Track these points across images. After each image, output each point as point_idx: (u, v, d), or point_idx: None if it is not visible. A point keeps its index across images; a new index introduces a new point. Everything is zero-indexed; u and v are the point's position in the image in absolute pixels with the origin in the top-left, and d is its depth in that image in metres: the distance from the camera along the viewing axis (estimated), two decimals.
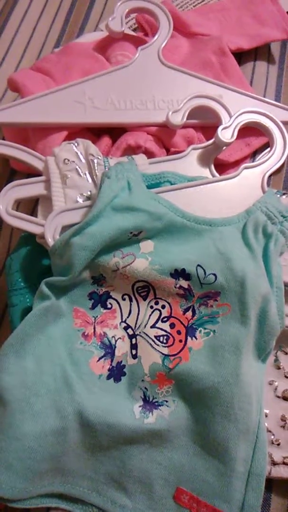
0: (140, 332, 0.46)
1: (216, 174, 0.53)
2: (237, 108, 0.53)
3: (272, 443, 0.46)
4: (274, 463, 0.46)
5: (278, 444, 0.46)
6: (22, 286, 0.48)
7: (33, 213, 0.56)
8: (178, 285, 0.45)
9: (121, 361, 0.46)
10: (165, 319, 0.46)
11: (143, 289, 0.46)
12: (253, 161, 0.54)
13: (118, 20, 0.57)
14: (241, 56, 0.67)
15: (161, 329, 0.46)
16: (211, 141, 0.53)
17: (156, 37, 0.58)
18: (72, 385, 0.43)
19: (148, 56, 0.57)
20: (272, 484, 0.47)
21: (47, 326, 0.44)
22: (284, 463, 0.46)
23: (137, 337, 0.46)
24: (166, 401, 0.45)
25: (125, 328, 0.46)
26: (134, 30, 0.68)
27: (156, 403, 0.44)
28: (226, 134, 0.51)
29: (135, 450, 0.43)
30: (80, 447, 0.43)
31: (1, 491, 0.40)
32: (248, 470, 0.43)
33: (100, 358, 0.45)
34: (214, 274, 0.45)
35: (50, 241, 0.45)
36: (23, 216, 0.47)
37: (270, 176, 0.52)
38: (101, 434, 0.42)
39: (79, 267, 0.43)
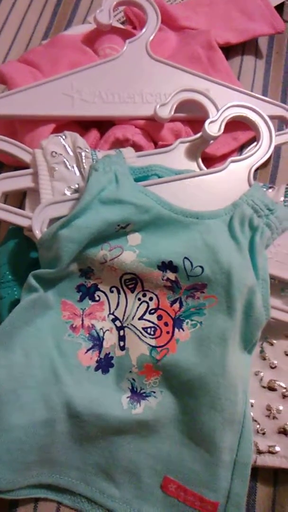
0: (128, 324, 0.46)
1: (204, 168, 0.53)
2: (224, 102, 0.53)
3: (258, 432, 0.47)
4: (259, 452, 0.46)
5: (264, 434, 0.47)
6: (10, 279, 0.48)
7: (22, 206, 0.56)
8: (165, 277, 0.46)
9: (109, 353, 0.46)
10: (153, 311, 0.46)
11: (131, 281, 0.47)
12: (240, 155, 0.54)
13: (106, 13, 0.57)
14: (229, 51, 0.67)
15: (149, 321, 0.46)
16: (198, 135, 0.53)
17: (144, 30, 0.58)
18: (60, 376, 0.43)
19: (136, 49, 0.57)
20: (258, 473, 0.47)
21: (35, 318, 0.44)
22: (269, 452, 0.46)
23: (125, 329, 0.46)
24: (154, 392, 0.45)
25: (113, 320, 0.47)
26: (123, 23, 0.68)
27: (144, 394, 0.45)
28: (213, 127, 0.52)
29: (123, 440, 0.44)
30: (68, 438, 0.43)
31: None
32: (234, 459, 0.43)
33: (88, 350, 0.46)
34: (201, 267, 0.45)
35: (38, 234, 0.45)
36: (10, 209, 0.47)
37: (256, 169, 0.52)
38: (89, 425, 0.43)
39: (66, 260, 0.43)
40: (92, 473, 0.44)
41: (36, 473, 0.43)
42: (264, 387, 0.49)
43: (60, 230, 0.43)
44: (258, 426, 0.47)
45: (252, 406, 0.48)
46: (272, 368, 0.49)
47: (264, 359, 0.50)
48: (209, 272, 0.45)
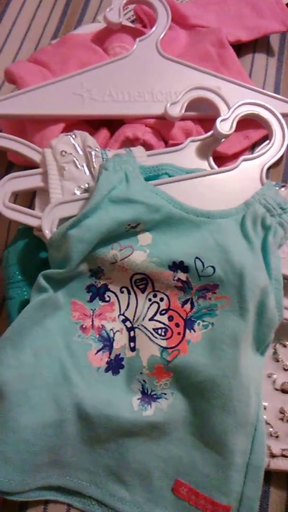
0: (138, 325, 0.46)
1: (215, 167, 0.53)
2: (235, 100, 0.52)
3: (271, 435, 0.46)
4: (272, 456, 0.46)
5: (277, 437, 0.46)
6: (19, 279, 0.48)
7: (31, 205, 0.56)
8: (176, 278, 0.45)
9: (120, 354, 0.45)
10: (164, 311, 0.46)
11: (142, 281, 0.46)
12: (252, 154, 0.54)
13: (116, 11, 0.57)
14: (240, 48, 0.66)
15: (160, 321, 0.46)
16: (209, 133, 0.52)
17: (154, 28, 0.57)
18: (70, 377, 0.43)
19: (146, 48, 0.57)
20: (271, 477, 0.47)
21: (45, 318, 0.44)
22: (283, 455, 0.46)
23: (136, 329, 0.46)
24: (165, 394, 0.44)
25: (124, 321, 0.46)
26: (132, 22, 0.67)
27: (155, 396, 0.44)
28: (224, 126, 0.51)
29: (134, 442, 0.43)
30: (78, 439, 0.43)
31: None
32: (246, 462, 0.43)
33: (98, 351, 0.45)
34: (213, 267, 0.44)
35: (48, 234, 0.45)
36: (20, 209, 0.47)
37: (269, 168, 0.52)
38: (99, 427, 0.42)
39: (76, 260, 0.43)
40: (102, 475, 0.44)
41: (46, 475, 0.43)
42: (277, 389, 0.48)
43: (70, 230, 0.43)
44: (271, 429, 0.46)
45: (265, 408, 0.47)
46: (285, 370, 0.49)
47: (277, 361, 0.49)
48: (221, 273, 0.44)
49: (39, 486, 0.42)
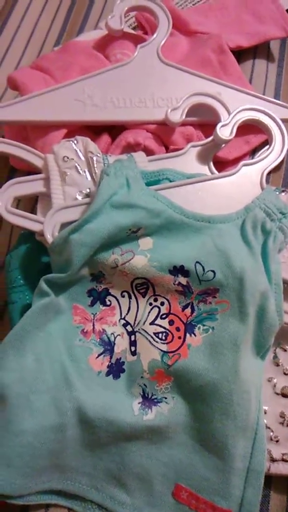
0: (139, 329, 0.46)
1: (215, 172, 0.53)
2: (236, 106, 0.53)
3: (271, 439, 0.46)
4: (273, 460, 0.46)
5: (277, 441, 0.46)
6: (21, 283, 0.48)
7: (33, 210, 0.56)
8: (177, 282, 0.45)
9: (120, 358, 0.46)
10: (164, 316, 0.46)
11: (142, 286, 0.46)
12: (252, 159, 0.54)
13: (118, 19, 0.57)
14: (241, 54, 0.67)
15: (160, 326, 0.46)
16: (210, 139, 0.53)
17: (155, 35, 0.58)
18: (71, 381, 0.43)
19: (147, 54, 0.57)
20: (271, 481, 0.47)
21: (47, 323, 0.44)
22: (283, 460, 0.46)
23: (136, 334, 0.46)
24: (165, 398, 0.45)
25: (124, 325, 0.46)
26: (134, 28, 0.68)
27: (155, 400, 0.45)
28: (225, 131, 0.51)
29: (134, 446, 0.44)
30: (79, 443, 0.43)
31: (0, 487, 0.40)
32: (247, 466, 0.43)
33: (99, 355, 0.45)
34: (213, 271, 0.45)
35: (49, 238, 0.45)
36: (22, 214, 0.47)
37: (269, 173, 0.52)
38: (100, 431, 0.42)
39: (78, 264, 0.43)
40: (103, 479, 0.44)
41: (47, 478, 0.43)
42: (277, 393, 0.48)
43: (71, 234, 0.43)
44: (271, 433, 0.47)
45: (265, 413, 0.47)
46: (285, 374, 0.49)
47: (278, 365, 0.49)
48: (221, 277, 0.45)
49: (40, 489, 0.43)
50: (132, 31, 0.65)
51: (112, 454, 0.44)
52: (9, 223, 0.47)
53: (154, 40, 0.58)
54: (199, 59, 0.60)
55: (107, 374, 0.45)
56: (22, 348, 0.43)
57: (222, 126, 0.51)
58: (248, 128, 0.55)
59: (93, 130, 0.57)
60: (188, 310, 0.46)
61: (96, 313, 0.46)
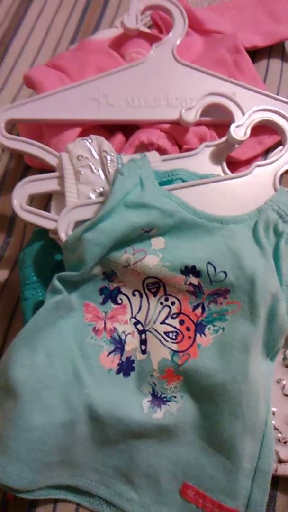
0: (149, 328, 0.46)
1: (228, 172, 0.53)
2: (250, 106, 0.53)
3: (279, 441, 0.46)
4: (280, 461, 0.46)
5: (285, 442, 0.46)
6: (34, 280, 0.49)
7: (46, 208, 0.57)
8: (188, 282, 0.46)
9: (131, 356, 0.46)
10: (175, 315, 0.46)
11: (154, 285, 0.47)
12: (265, 159, 0.54)
13: (133, 18, 0.57)
14: (255, 54, 0.66)
15: (171, 325, 0.46)
16: (223, 139, 0.53)
17: (170, 34, 0.58)
18: (82, 378, 0.43)
19: (162, 54, 0.57)
20: (278, 482, 0.46)
21: (58, 320, 0.45)
22: None
23: (147, 332, 0.46)
24: (175, 397, 0.45)
25: (135, 324, 0.47)
26: (149, 27, 0.68)
27: (165, 399, 0.45)
28: (239, 132, 0.51)
29: (143, 444, 0.44)
30: (88, 440, 0.44)
31: (10, 481, 0.40)
32: (254, 467, 0.43)
33: (110, 353, 0.46)
34: (224, 272, 0.45)
35: (63, 237, 0.46)
36: (37, 212, 0.48)
37: (282, 174, 0.52)
38: (109, 428, 0.43)
39: (91, 263, 0.44)
40: (111, 476, 0.44)
41: (56, 473, 0.43)
42: (286, 395, 0.48)
43: (85, 233, 0.44)
44: (279, 434, 0.47)
45: (274, 414, 0.47)
46: None
47: (287, 366, 0.49)
48: (232, 278, 0.45)
49: (49, 484, 0.43)
50: (148, 30, 0.65)
51: (121, 452, 0.44)
52: (24, 220, 0.48)
53: (169, 40, 0.58)
54: (214, 59, 0.60)
55: (118, 372, 0.45)
56: (34, 344, 0.43)
57: (237, 126, 0.51)
58: (261, 128, 0.55)
59: (108, 129, 0.58)
60: (198, 310, 0.46)
61: (107, 311, 0.47)
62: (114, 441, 0.44)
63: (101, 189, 0.49)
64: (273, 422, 0.46)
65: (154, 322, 0.46)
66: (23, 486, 0.41)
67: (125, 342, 0.46)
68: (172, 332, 0.46)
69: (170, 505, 0.44)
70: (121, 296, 0.47)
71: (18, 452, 0.40)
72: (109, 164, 0.50)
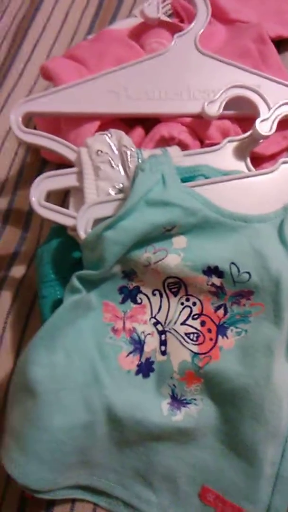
0: (170, 329, 0.45)
1: (252, 168, 0.51)
2: (276, 99, 0.51)
3: None
4: None
5: None
6: (52, 278, 0.48)
7: (63, 204, 0.56)
8: (210, 283, 0.44)
9: (150, 357, 0.45)
10: (196, 316, 0.45)
11: (174, 285, 0.46)
12: None
13: (154, 6, 0.56)
14: (280, 44, 0.64)
15: (192, 326, 0.45)
16: (247, 134, 0.51)
17: (193, 24, 0.55)
18: (101, 379, 0.43)
19: (185, 44, 0.55)
20: None
21: (77, 319, 0.44)
22: None
23: (167, 333, 0.45)
24: (195, 400, 0.44)
25: (155, 324, 0.46)
26: (169, 16, 0.66)
27: (184, 401, 0.44)
28: (264, 126, 0.49)
29: (162, 446, 0.43)
30: (107, 441, 0.43)
31: (29, 481, 0.40)
32: (275, 472, 0.42)
33: (129, 354, 0.45)
34: (248, 273, 0.43)
35: (82, 234, 0.45)
36: (55, 208, 0.47)
37: None
38: (128, 429, 0.42)
39: (111, 262, 0.43)
40: (129, 477, 0.44)
41: (75, 474, 0.43)
42: None
43: (105, 231, 0.42)
44: None
45: None
46: None
47: None
48: (256, 279, 0.43)
49: (67, 485, 0.43)
50: (168, 19, 0.63)
51: (140, 453, 0.43)
52: (42, 217, 0.47)
53: (192, 29, 0.55)
54: (238, 49, 0.58)
55: (137, 373, 0.45)
56: (53, 344, 0.42)
57: (262, 121, 0.49)
58: (286, 122, 0.53)
59: (127, 122, 0.56)
60: (220, 312, 0.45)
61: (126, 311, 0.46)
62: (133, 442, 0.43)
63: (121, 185, 0.48)
64: None
65: (175, 322, 0.45)
66: (42, 486, 0.41)
67: (144, 342, 0.45)
68: (193, 333, 0.45)
69: (189, 508, 0.43)
70: (140, 295, 0.46)
71: (37, 453, 0.40)
72: (129, 159, 0.48)
